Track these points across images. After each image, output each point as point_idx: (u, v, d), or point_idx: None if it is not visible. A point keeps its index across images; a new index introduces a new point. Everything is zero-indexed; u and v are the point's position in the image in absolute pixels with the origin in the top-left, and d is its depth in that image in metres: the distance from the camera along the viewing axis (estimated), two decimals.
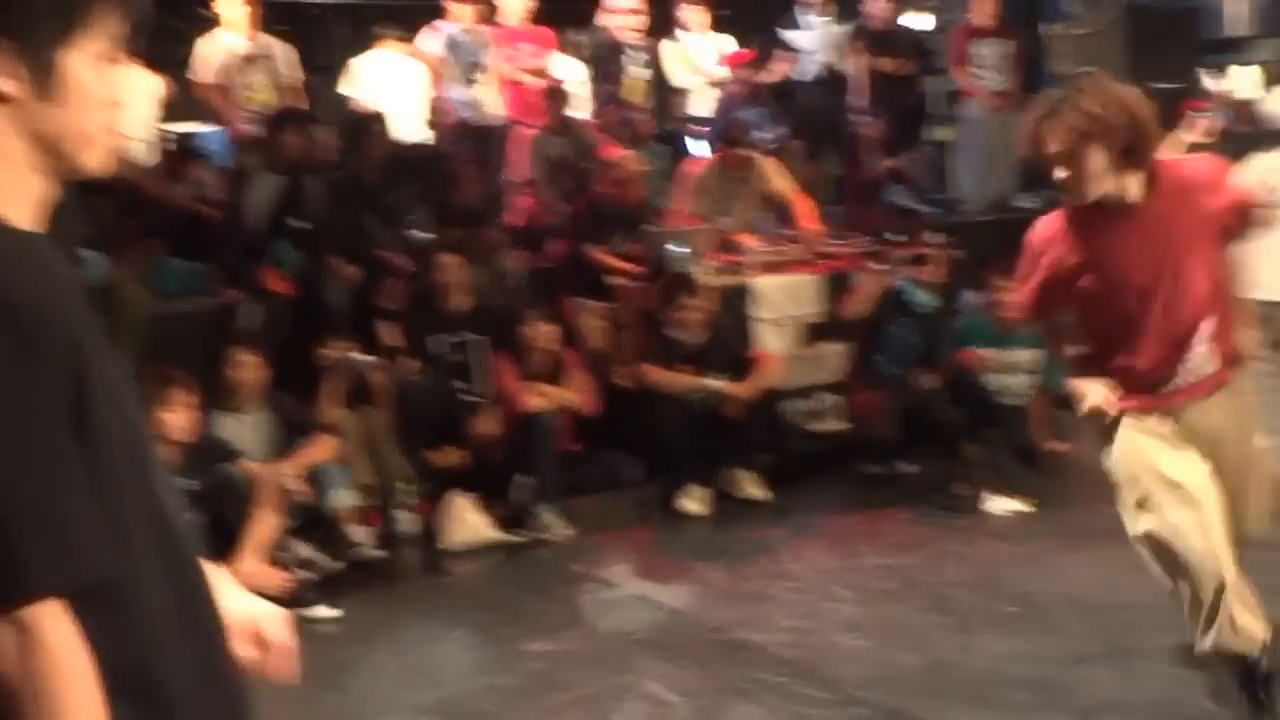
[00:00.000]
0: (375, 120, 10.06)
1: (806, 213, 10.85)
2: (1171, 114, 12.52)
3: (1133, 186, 4.53)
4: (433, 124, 12.28)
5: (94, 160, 2.01)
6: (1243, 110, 13.41)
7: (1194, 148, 12.40)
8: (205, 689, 2.11)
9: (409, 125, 11.50)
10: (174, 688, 2.00)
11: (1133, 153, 4.52)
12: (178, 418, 6.56)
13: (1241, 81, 15.39)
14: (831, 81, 13.50)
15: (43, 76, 1.92)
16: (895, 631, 5.66)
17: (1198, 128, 12.42)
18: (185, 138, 11.16)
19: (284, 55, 11.28)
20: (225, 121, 11.31)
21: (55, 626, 1.79)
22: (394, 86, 12.09)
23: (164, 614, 2.01)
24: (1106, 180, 4.51)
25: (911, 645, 5.44)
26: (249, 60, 11.04)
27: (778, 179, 10.91)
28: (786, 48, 13.43)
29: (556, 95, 11.60)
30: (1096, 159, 4.50)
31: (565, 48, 12.63)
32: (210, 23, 11.49)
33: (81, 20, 1.95)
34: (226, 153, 11.64)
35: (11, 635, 1.76)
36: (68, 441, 1.85)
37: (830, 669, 5.42)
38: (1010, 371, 8.96)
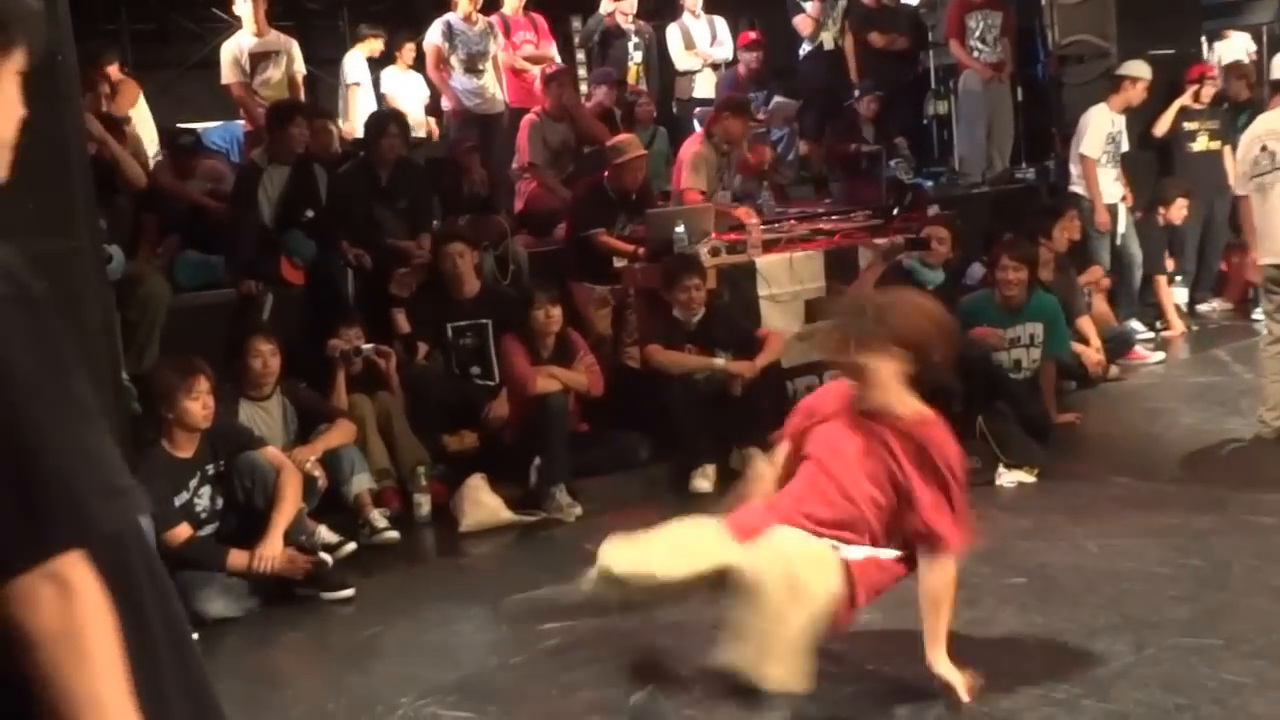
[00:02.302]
0: (393, 120, 10.12)
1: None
2: (1170, 80, 12.56)
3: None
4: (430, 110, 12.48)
5: (4, 169, 2.09)
6: (1239, 74, 13.43)
7: (1192, 115, 12.45)
8: (180, 674, 2.16)
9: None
10: (162, 658, 2.07)
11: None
12: (199, 405, 6.61)
13: (1238, 46, 15.40)
14: (831, 58, 13.53)
15: None
16: (904, 604, 5.67)
17: (1200, 95, 12.44)
18: (185, 134, 11.18)
19: (292, 51, 11.40)
20: (252, 119, 11.41)
21: (86, 576, 1.86)
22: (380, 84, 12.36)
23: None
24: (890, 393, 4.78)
25: (920, 618, 5.48)
26: (264, 56, 11.16)
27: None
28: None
29: (555, 81, 11.66)
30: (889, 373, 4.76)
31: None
32: (222, 24, 11.62)
33: (10, 39, 2.02)
34: (234, 147, 11.78)
35: (52, 587, 1.82)
36: (94, 403, 1.97)
37: (840, 642, 5.45)
38: (1016, 345, 9.01)
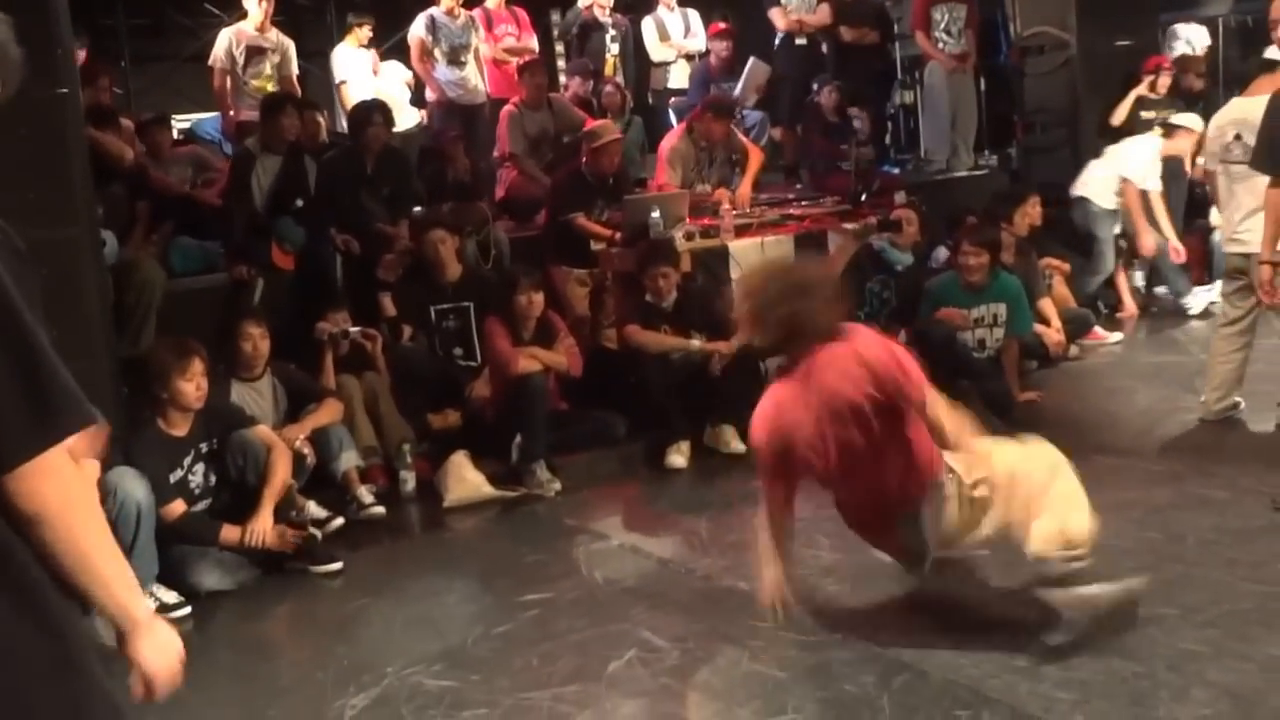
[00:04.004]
0: (378, 110, 10.12)
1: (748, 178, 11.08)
2: (1127, 71, 12.57)
3: None
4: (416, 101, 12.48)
5: None
6: (1188, 67, 13.43)
7: (1150, 104, 12.45)
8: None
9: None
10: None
11: None
12: (192, 387, 6.60)
13: (1194, 37, 15.38)
14: (805, 50, 13.52)
15: None
16: (873, 576, 5.69)
17: (1157, 85, 12.43)
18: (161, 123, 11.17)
19: (289, 52, 11.40)
20: (223, 107, 11.42)
21: (69, 463, 2.14)
22: (363, 74, 12.32)
23: None
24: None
25: (889, 589, 5.48)
26: (259, 52, 11.16)
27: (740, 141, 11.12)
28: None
29: (528, 71, 11.66)
30: None
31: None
32: (215, 19, 11.60)
33: None
34: (223, 137, 11.77)
35: (67, 460, 2.11)
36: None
37: (812, 613, 5.46)
38: (980, 325, 9.04)
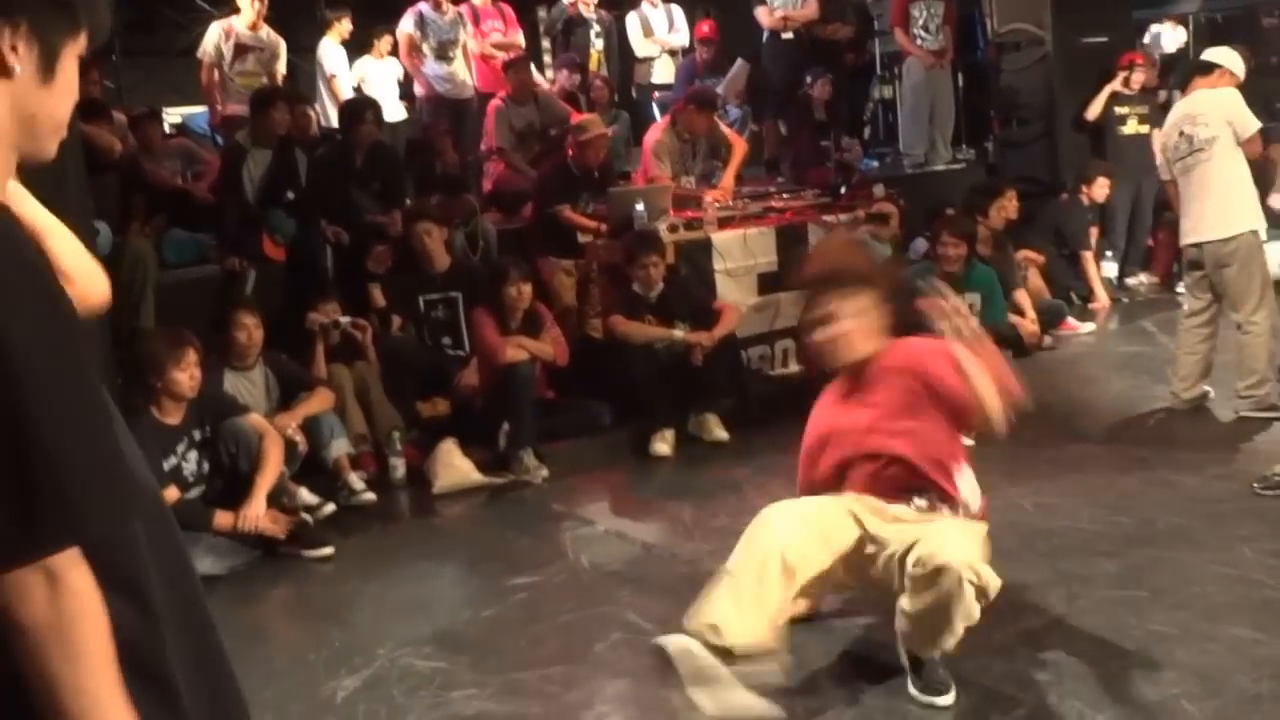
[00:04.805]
0: (369, 107, 10.12)
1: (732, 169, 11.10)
2: (1102, 67, 12.63)
3: None
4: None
5: (54, 147, 2.04)
6: (1165, 63, 13.50)
7: (1123, 100, 12.51)
8: (197, 670, 2.12)
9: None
10: (170, 661, 2.00)
11: None
12: (186, 376, 6.62)
13: (1166, 35, 15.45)
14: (790, 46, 13.54)
15: (48, 61, 1.96)
16: None
17: (1130, 81, 12.49)
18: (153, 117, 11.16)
19: (278, 50, 11.39)
20: (210, 101, 11.41)
21: (82, 573, 1.80)
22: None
23: (156, 582, 2.02)
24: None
25: None
26: (247, 49, 11.13)
27: (723, 133, 11.15)
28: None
29: (513, 67, 11.68)
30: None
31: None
32: (205, 15, 11.56)
33: (77, 22, 2.01)
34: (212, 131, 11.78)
35: (42, 582, 1.76)
36: (102, 397, 1.90)
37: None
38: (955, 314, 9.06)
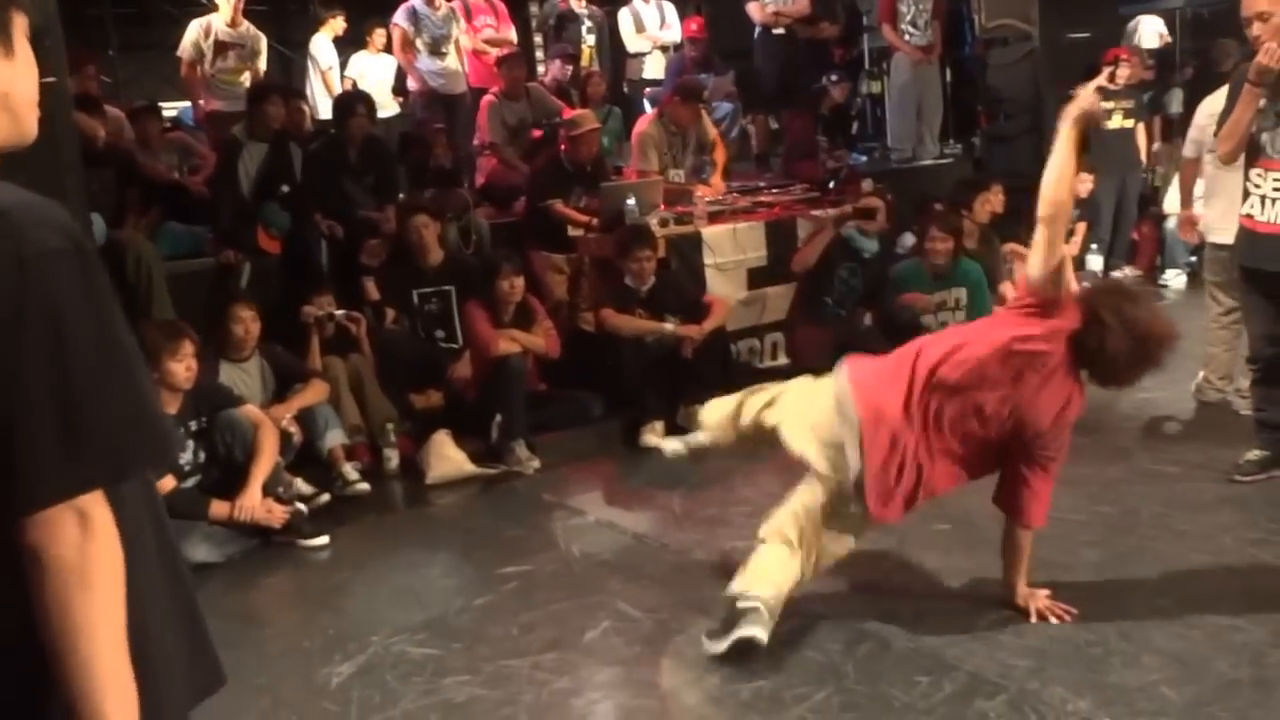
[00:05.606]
0: (361, 101, 10.13)
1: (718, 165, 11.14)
2: (1087, 62, 12.63)
3: None
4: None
5: (34, 125, 2.04)
6: (1148, 59, 13.51)
7: (1108, 95, 12.51)
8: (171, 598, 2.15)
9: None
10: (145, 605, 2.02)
11: None
12: (182, 368, 6.64)
13: (1150, 30, 15.44)
14: (782, 41, 13.55)
15: (4, 34, 1.97)
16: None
17: (1115, 76, 12.48)
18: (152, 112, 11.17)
19: (258, 46, 11.39)
20: (193, 96, 11.43)
21: (105, 513, 1.85)
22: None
23: (144, 536, 2.06)
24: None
25: (854, 563, 5.51)
26: (228, 46, 11.13)
27: (709, 130, 11.16)
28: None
29: (507, 63, 11.69)
30: None
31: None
32: (199, 9, 11.54)
33: (13, 3, 2.00)
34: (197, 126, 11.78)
35: (74, 520, 1.81)
36: (134, 347, 1.96)
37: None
38: (943, 309, 9.11)
